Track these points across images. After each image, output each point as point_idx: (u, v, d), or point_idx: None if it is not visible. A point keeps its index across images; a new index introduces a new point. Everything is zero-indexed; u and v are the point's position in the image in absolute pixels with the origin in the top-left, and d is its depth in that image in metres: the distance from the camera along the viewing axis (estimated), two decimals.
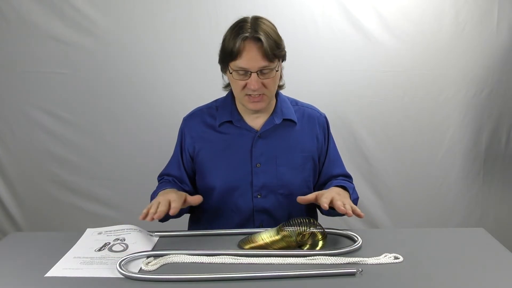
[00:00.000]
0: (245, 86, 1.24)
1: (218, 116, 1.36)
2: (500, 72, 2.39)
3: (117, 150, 2.35)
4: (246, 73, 1.23)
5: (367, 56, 2.32)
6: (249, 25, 1.22)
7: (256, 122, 1.35)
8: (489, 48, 2.36)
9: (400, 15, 2.30)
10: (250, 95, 1.25)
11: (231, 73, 1.25)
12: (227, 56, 1.24)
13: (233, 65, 1.23)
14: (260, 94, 1.25)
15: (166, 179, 1.42)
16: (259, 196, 1.34)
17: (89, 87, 2.30)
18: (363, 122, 2.39)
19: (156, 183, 1.46)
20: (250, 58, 1.21)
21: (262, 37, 1.20)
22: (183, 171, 1.40)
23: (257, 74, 1.22)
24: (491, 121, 2.45)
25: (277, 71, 1.26)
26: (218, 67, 1.33)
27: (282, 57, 1.29)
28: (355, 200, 1.35)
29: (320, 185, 1.42)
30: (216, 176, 1.35)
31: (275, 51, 1.22)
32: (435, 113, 2.41)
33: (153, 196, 1.34)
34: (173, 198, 1.17)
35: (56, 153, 2.34)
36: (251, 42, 1.21)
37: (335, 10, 2.27)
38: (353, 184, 1.42)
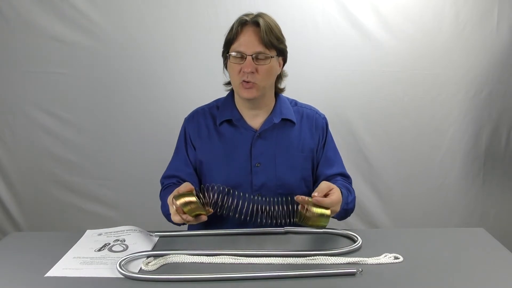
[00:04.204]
0: (240, 71, 1.26)
1: (219, 115, 1.38)
2: (500, 72, 2.39)
3: (117, 150, 2.35)
4: (242, 57, 1.25)
5: (367, 56, 2.32)
6: (252, 14, 1.28)
7: (255, 121, 1.36)
8: (489, 48, 2.36)
9: (400, 15, 2.30)
10: (244, 81, 1.27)
11: (228, 56, 1.28)
12: (227, 42, 1.28)
13: (231, 49, 1.27)
14: (252, 82, 1.26)
15: (168, 183, 1.40)
16: (258, 196, 1.34)
17: (89, 87, 2.30)
18: (362, 121, 2.39)
19: (158, 185, 1.46)
20: (246, 41, 1.25)
21: (261, 22, 1.24)
22: (191, 169, 1.39)
23: (252, 58, 1.25)
24: (491, 121, 2.44)
25: (272, 57, 1.28)
26: (221, 65, 1.34)
27: (281, 53, 1.31)
28: (348, 210, 1.32)
29: (317, 185, 1.41)
30: (216, 176, 1.36)
31: (272, 39, 1.25)
32: (435, 113, 2.41)
33: (165, 204, 1.30)
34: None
35: (56, 153, 2.34)
36: (250, 26, 1.26)
37: (335, 9, 2.27)
38: (354, 195, 1.37)
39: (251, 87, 1.27)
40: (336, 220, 1.40)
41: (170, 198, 1.17)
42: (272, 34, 1.25)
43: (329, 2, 2.27)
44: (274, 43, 1.26)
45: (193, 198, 1.13)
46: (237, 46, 1.26)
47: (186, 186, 1.16)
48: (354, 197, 1.38)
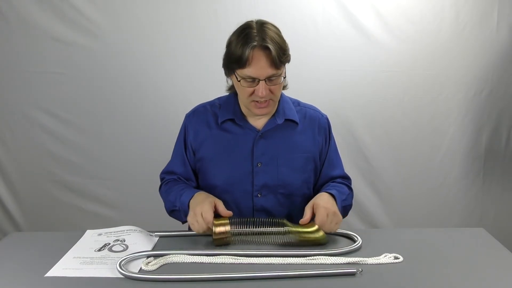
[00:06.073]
0: (252, 93, 1.25)
1: (221, 114, 1.37)
2: (500, 72, 2.39)
3: (117, 150, 2.35)
4: (254, 80, 1.23)
5: (367, 56, 2.32)
6: (255, 32, 1.22)
7: (258, 121, 1.36)
8: (489, 48, 2.36)
9: (400, 15, 2.30)
10: (257, 101, 1.26)
11: (239, 80, 1.25)
12: (234, 63, 1.24)
13: (241, 72, 1.23)
14: (266, 100, 1.26)
15: (169, 178, 1.41)
16: (259, 196, 1.34)
17: (89, 87, 2.29)
18: (363, 121, 2.39)
19: (158, 185, 1.46)
20: (259, 67, 1.21)
21: (270, 46, 1.20)
22: (188, 168, 1.40)
23: (265, 81, 1.23)
24: (491, 121, 2.44)
25: (284, 77, 1.27)
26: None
27: (288, 62, 1.30)
28: (346, 207, 1.37)
29: (319, 186, 1.42)
30: (217, 174, 1.36)
31: (281, 58, 1.23)
32: (435, 113, 2.41)
33: (172, 200, 1.33)
34: (205, 210, 1.19)
35: (56, 153, 2.34)
36: (260, 51, 1.21)
37: (335, 9, 2.27)
38: (348, 190, 1.40)
39: (266, 106, 1.28)
40: None
41: (208, 214, 1.18)
42: (281, 52, 1.22)
43: (329, 2, 2.27)
44: (283, 60, 1.23)
45: (228, 228, 1.16)
46: (247, 71, 1.21)
47: (226, 212, 1.21)
48: (349, 193, 1.40)
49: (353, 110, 2.37)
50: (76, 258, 1.12)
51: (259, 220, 1.20)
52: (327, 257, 1.11)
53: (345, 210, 1.37)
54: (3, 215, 2.40)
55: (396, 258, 1.10)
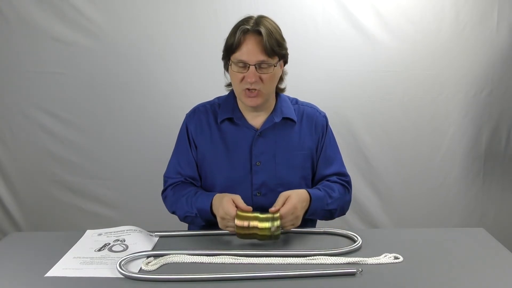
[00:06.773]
0: (243, 79, 1.26)
1: (220, 113, 1.38)
2: (500, 72, 2.39)
3: (117, 150, 2.35)
4: (245, 66, 1.25)
5: (367, 56, 2.32)
6: (253, 20, 1.26)
7: (256, 120, 1.37)
8: (489, 48, 2.36)
9: (400, 15, 2.30)
10: (247, 89, 1.27)
11: (230, 65, 1.27)
12: (228, 49, 1.27)
13: (233, 57, 1.26)
14: (256, 90, 1.27)
15: (174, 182, 1.40)
16: (258, 194, 1.35)
17: (90, 87, 2.29)
18: (363, 122, 2.39)
19: (158, 185, 1.45)
20: (249, 50, 1.23)
21: (263, 31, 1.23)
22: (193, 167, 1.40)
23: (255, 67, 1.24)
24: (491, 121, 2.44)
25: (275, 66, 1.27)
26: (221, 65, 1.34)
27: (283, 57, 1.31)
28: (332, 211, 1.34)
29: (315, 184, 1.42)
30: (216, 173, 1.36)
31: (274, 47, 1.24)
32: (435, 113, 2.41)
33: (186, 207, 1.32)
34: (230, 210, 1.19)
35: (56, 153, 2.34)
36: (252, 35, 1.24)
37: (335, 9, 2.27)
38: (338, 194, 1.35)
39: (255, 96, 1.28)
40: (337, 220, 1.40)
41: (230, 207, 1.17)
42: (274, 41, 1.24)
43: (329, 2, 2.27)
44: (276, 50, 1.25)
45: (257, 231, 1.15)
46: (239, 55, 1.24)
47: (246, 207, 1.19)
48: (339, 197, 1.36)
49: (353, 110, 2.37)
50: (76, 258, 1.12)
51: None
52: (327, 257, 1.10)
53: (330, 213, 1.35)
54: (3, 215, 2.40)
55: (396, 258, 1.10)
